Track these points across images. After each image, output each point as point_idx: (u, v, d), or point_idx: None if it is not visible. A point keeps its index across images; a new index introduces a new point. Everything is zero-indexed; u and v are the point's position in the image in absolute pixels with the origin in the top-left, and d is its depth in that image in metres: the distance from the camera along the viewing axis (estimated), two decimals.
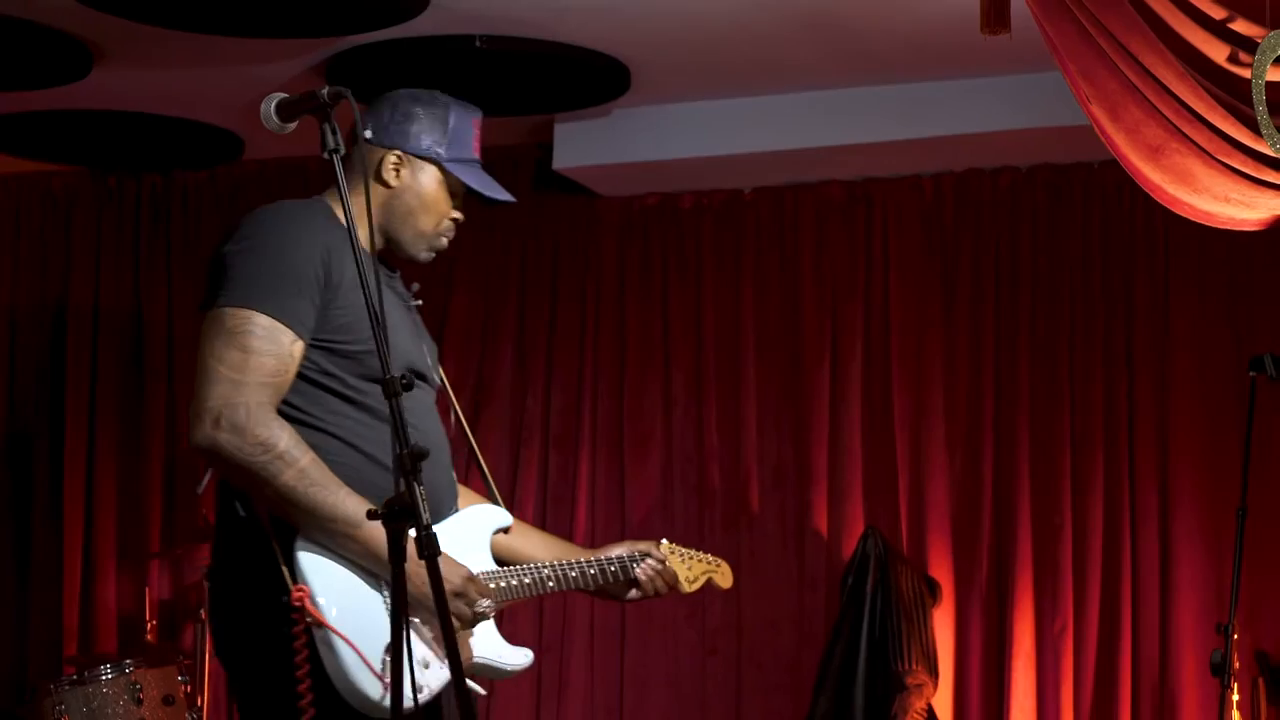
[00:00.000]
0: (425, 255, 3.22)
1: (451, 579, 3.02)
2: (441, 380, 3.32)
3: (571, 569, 3.31)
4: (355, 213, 2.98)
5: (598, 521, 5.96)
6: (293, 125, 2.88)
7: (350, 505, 2.96)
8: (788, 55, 5.07)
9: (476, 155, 3.24)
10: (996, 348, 5.68)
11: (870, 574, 5.39)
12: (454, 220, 3.23)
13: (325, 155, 2.84)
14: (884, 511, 5.68)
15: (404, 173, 3.15)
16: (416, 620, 3.05)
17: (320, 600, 2.96)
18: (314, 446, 2.99)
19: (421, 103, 3.18)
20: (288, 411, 3.02)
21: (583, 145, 5.64)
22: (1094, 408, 5.54)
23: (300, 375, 3.02)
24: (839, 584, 5.52)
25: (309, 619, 2.93)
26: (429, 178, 3.16)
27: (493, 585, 3.16)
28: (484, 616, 3.12)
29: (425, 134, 3.15)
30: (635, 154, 5.62)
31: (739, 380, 5.89)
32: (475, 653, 3.17)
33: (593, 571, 3.32)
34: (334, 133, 2.88)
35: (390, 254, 3.22)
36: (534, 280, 6.10)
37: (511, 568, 3.23)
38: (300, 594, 2.94)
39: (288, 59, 4.88)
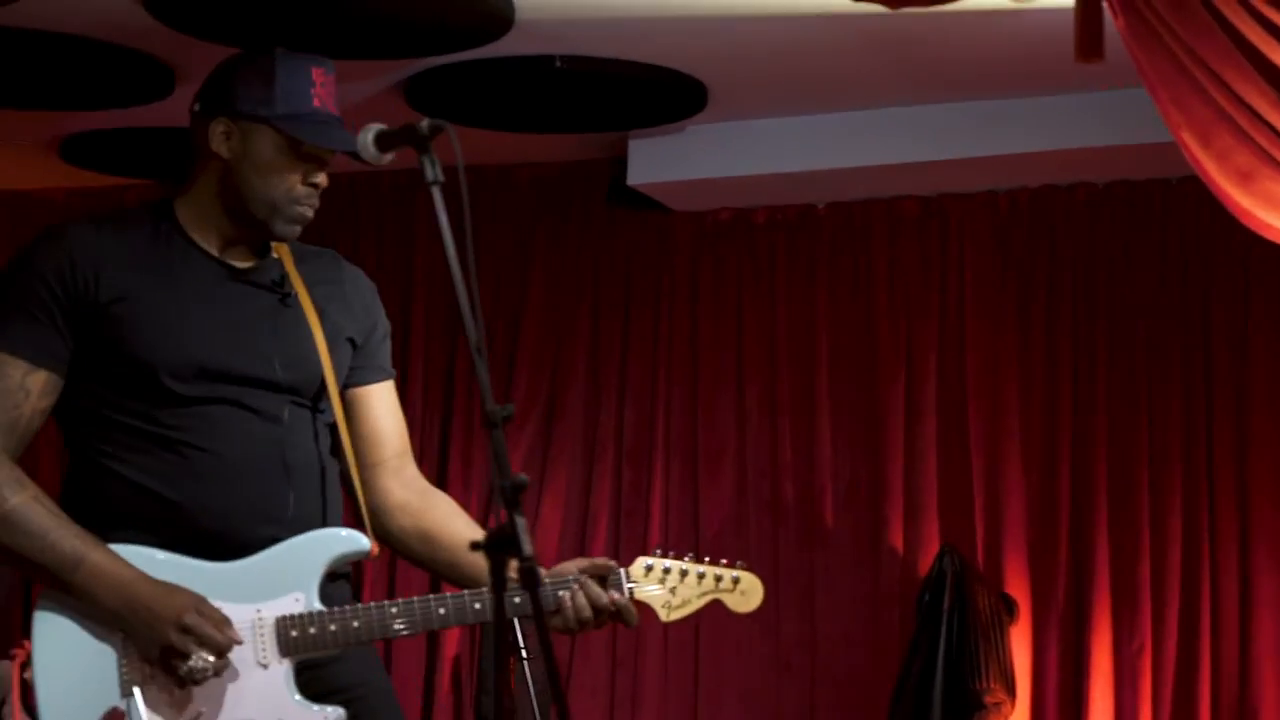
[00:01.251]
0: (284, 228, 2.87)
1: (156, 625, 2.68)
2: (324, 385, 2.94)
3: (437, 605, 2.81)
4: (450, 237, 2.90)
5: (671, 536, 5.95)
6: (389, 156, 2.82)
7: (62, 550, 2.68)
8: (864, 72, 5.06)
9: (319, 107, 2.88)
10: (1073, 363, 5.64)
11: (947, 592, 5.37)
12: (312, 185, 2.88)
13: (427, 186, 2.85)
14: (960, 529, 5.66)
15: (234, 139, 2.84)
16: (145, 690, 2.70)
17: (36, 661, 2.71)
18: (88, 483, 2.80)
19: (243, 62, 2.92)
20: (73, 446, 2.83)
21: (657, 161, 5.64)
22: (1172, 424, 5.51)
23: (78, 406, 2.81)
24: (914, 601, 5.51)
25: (24, 677, 2.72)
26: (263, 141, 2.84)
27: (294, 633, 2.77)
28: (198, 676, 2.68)
29: (248, 93, 2.85)
30: (710, 170, 5.61)
31: (813, 395, 5.87)
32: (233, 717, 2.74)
33: (477, 605, 2.81)
34: (433, 165, 2.84)
35: (250, 237, 2.89)
36: (607, 295, 6.11)
37: (340, 609, 2.81)
38: (17, 653, 2.75)
39: (366, 79, 4.90)
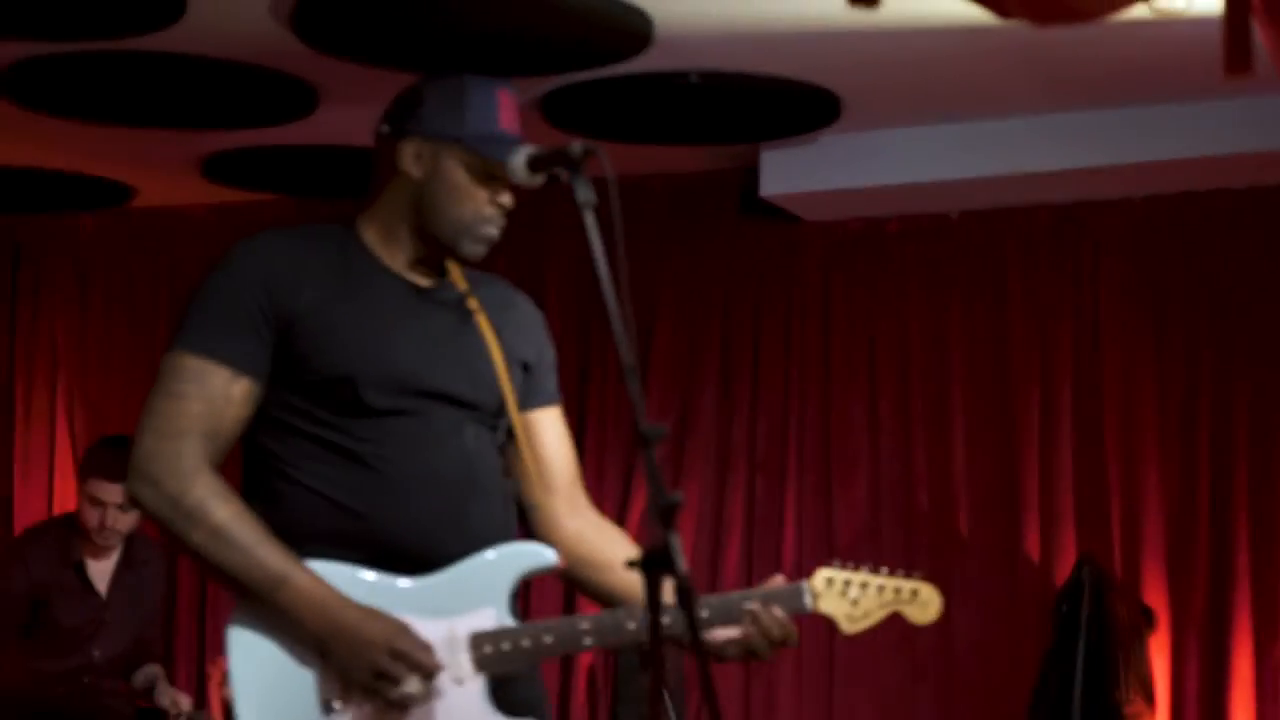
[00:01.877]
0: (472, 249, 2.87)
1: (365, 651, 2.67)
2: (503, 401, 2.92)
3: (626, 618, 2.77)
4: (602, 258, 2.92)
5: (805, 547, 5.97)
6: (541, 178, 2.84)
7: (267, 567, 2.67)
8: (999, 81, 5.05)
9: (506, 128, 2.87)
10: (1212, 371, 5.59)
11: (1085, 601, 5.34)
12: (500, 206, 2.88)
13: (578, 209, 2.88)
14: (1097, 537, 5.62)
15: (424, 160, 2.84)
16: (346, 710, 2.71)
17: (234, 678, 2.70)
18: (279, 496, 2.79)
19: (432, 84, 2.91)
20: (259, 456, 2.82)
21: (790, 172, 5.66)
22: None
23: (269, 416, 2.80)
24: (1051, 611, 5.48)
25: (222, 693, 2.76)
26: (454, 161, 2.84)
27: (487, 649, 2.76)
28: (410, 701, 2.68)
29: (439, 115, 2.85)
30: (843, 180, 5.62)
31: (946, 404, 5.86)
32: None
33: (665, 619, 2.62)
34: (585, 187, 2.86)
35: (434, 257, 2.89)
36: (738, 305, 6.13)
37: (533, 624, 2.81)
38: (213, 669, 2.74)
39: None
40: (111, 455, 5.30)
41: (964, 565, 5.79)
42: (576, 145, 2.83)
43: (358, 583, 2.72)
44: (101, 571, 5.43)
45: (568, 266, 5.98)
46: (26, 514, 6.61)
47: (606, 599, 2.98)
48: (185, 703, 5.34)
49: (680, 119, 5.16)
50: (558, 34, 4.25)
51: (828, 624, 2.90)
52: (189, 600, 6.55)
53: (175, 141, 5.59)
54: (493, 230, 2.88)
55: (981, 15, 3.77)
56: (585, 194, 2.85)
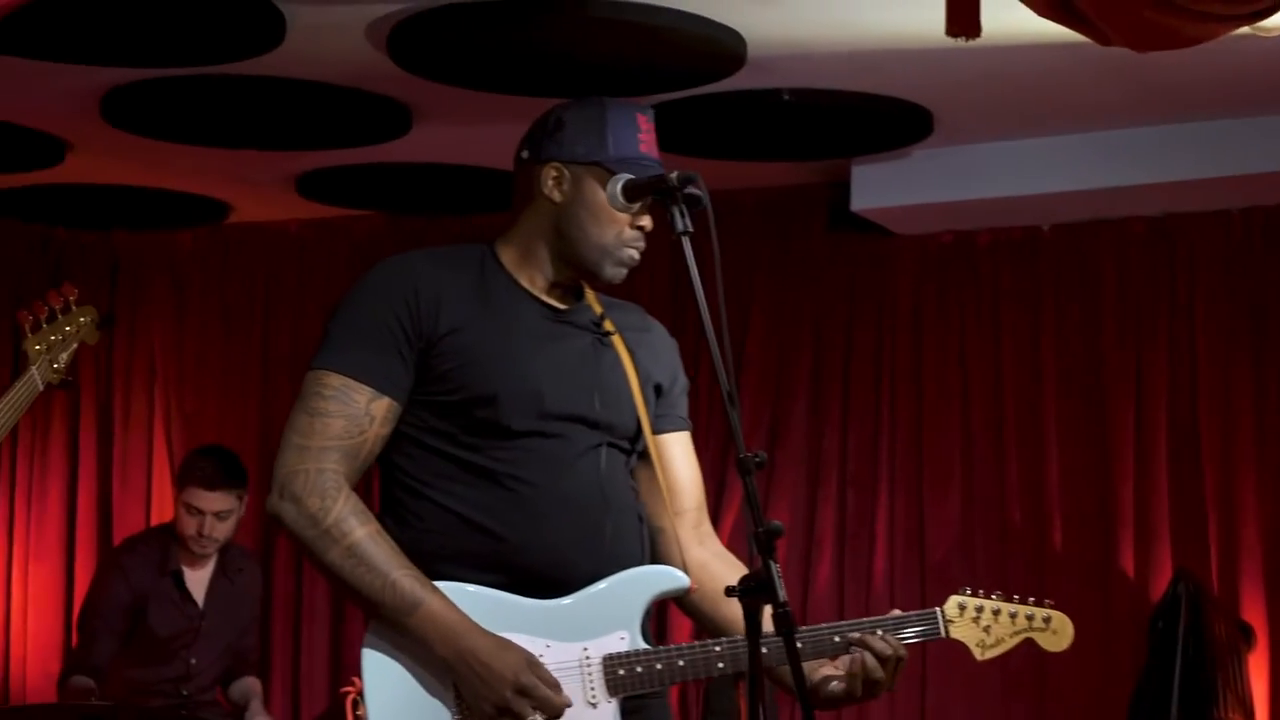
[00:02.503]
0: (613, 272, 2.88)
1: (493, 683, 2.67)
2: (639, 426, 2.93)
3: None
4: (701, 284, 2.92)
5: (896, 561, 5.96)
6: (637, 206, 2.87)
7: (400, 591, 2.67)
8: (1092, 95, 5.02)
9: (646, 152, 2.89)
10: None
11: (1182, 617, 5.29)
12: (639, 229, 2.88)
13: (674, 238, 2.90)
14: (1193, 553, 5.57)
15: (566, 185, 2.85)
16: None
17: (369, 702, 2.69)
18: (414, 516, 2.80)
19: (572, 109, 2.91)
20: (396, 475, 2.83)
21: (881, 186, 5.64)
22: None
23: (406, 435, 2.81)
24: (1147, 628, 5.44)
25: (357, 715, 2.72)
26: (595, 185, 2.84)
27: (621, 672, 2.76)
28: None
29: (580, 139, 2.86)
30: (934, 194, 5.61)
31: (1039, 419, 5.83)
32: None
33: (800, 645, 2.66)
34: (683, 215, 2.87)
35: (573, 280, 2.91)
36: (828, 319, 6.13)
37: (666, 648, 2.82)
38: (348, 691, 2.78)
39: None
40: (208, 464, 5.38)
41: (1058, 581, 5.74)
42: (674, 174, 2.85)
43: (492, 605, 2.73)
44: (198, 580, 5.51)
45: (659, 287, 5.98)
46: (124, 523, 6.70)
47: (723, 631, 2.96)
48: None
49: (773, 136, 5.17)
50: (652, 55, 4.26)
51: (1005, 655, 2.95)
52: (284, 611, 6.62)
53: (271, 161, 5.66)
54: (634, 253, 2.89)
55: (1070, 30, 3.78)
56: (682, 223, 2.87)
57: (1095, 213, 5.75)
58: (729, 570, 2.97)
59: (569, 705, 2.71)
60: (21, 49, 4.22)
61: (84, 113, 5.00)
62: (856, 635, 2.86)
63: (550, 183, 2.86)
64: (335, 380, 2.75)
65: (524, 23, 4.05)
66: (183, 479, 5.44)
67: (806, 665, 2.81)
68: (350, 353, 2.76)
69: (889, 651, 2.85)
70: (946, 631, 2.92)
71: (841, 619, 5.74)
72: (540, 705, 2.67)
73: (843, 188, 5.80)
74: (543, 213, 2.88)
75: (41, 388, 3.14)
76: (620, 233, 2.86)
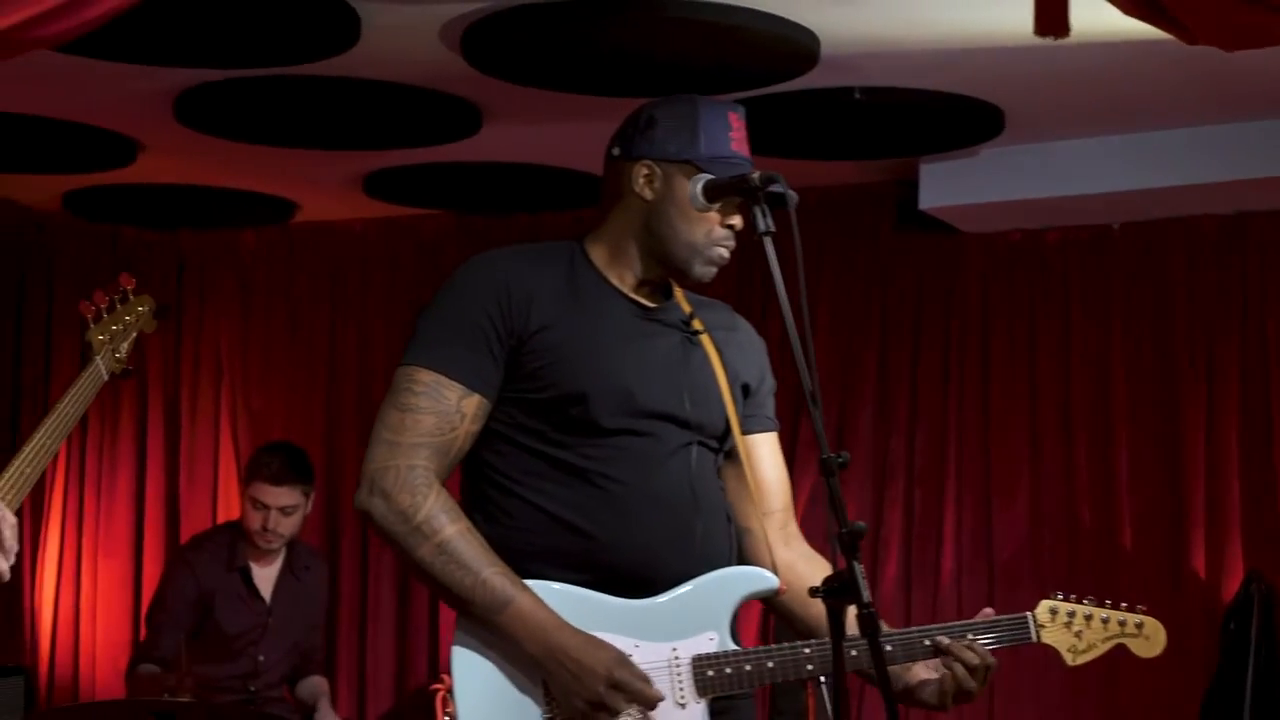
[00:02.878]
0: (702, 271, 2.88)
1: (585, 679, 2.67)
2: (728, 426, 2.92)
3: (849, 647, 2.70)
4: (785, 288, 2.93)
5: (964, 562, 5.94)
6: (716, 205, 2.87)
7: (491, 588, 2.68)
8: (1162, 93, 4.99)
9: (737, 150, 2.89)
10: None
11: (1254, 619, 5.26)
12: (729, 227, 2.88)
13: (756, 238, 2.90)
14: (1266, 553, 5.53)
15: (658, 183, 2.85)
16: None
17: (458, 699, 2.69)
18: (502, 513, 2.80)
19: (664, 106, 2.91)
20: (484, 472, 2.83)
21: (950, 185, 5.62)
22: None
23: (495, 432, 2.81)
24: (1218, 629, 5.40)
25: (446, 712, 2.76)
26: (686, 183, 2.85)
27: (710, 673, 2.76)
28: None
29: (672, 137, 2.86)
30: (1003, 193, 5.58)
31: (1109, 418, 5.80)
32: None
33: (889, 648, 2.76)
34: (765, 216, 2.88)
35: (662, 278, 2.91)
36: (895, 318, 6.11)
37: (755, 649, 2.81)
38: (438, 688, 2.79)
39: None
40: (275, 459, 5.42)
41: (1127, 582, 5.70)
42: (756, 174, 2.85)
43: (582, 604, 2.74)
44: (266, 577, 5.54)
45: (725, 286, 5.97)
46: (191, 520, 6.74)
47: (811, 632, 2.96)
48: None
49: (842, 134, 5.16)
50: (726, 54, 4.26)
51: (1096, 661, 2.94)
52: (349, 610, 6.64)
53: (339, 160, 5.68)
54: (724, 252, 2.88)
55: (1146, 27, 3.76)
56: (764, 223, 2.87)
57: (1165, 211, 5.71)
58: (816, 571, 2.96)
59: (662, 698, 2.70)
60: (97, 51, 4.25)
61: (157, 113, 5.04)
62: (946, 641, 2.84)
63: (641, 180, 2.86)
64: (427, 376, 2.76)
65: (598, 22, 4.05)
66: (250, 474, 5.47)
67: (899, 666, 2.84)
68: (442, 349, 2.77)
69: (978, 661, 2.83)
70: (1038, 636, 2.90)
71: (908, 620, 5.78)
72: (635, 698, 2.67)
73: (909, 186, 5.78)
74: (633, 210, 2.88)
75: (106, 377, 3.18)
76: (710, 231, 2.86)
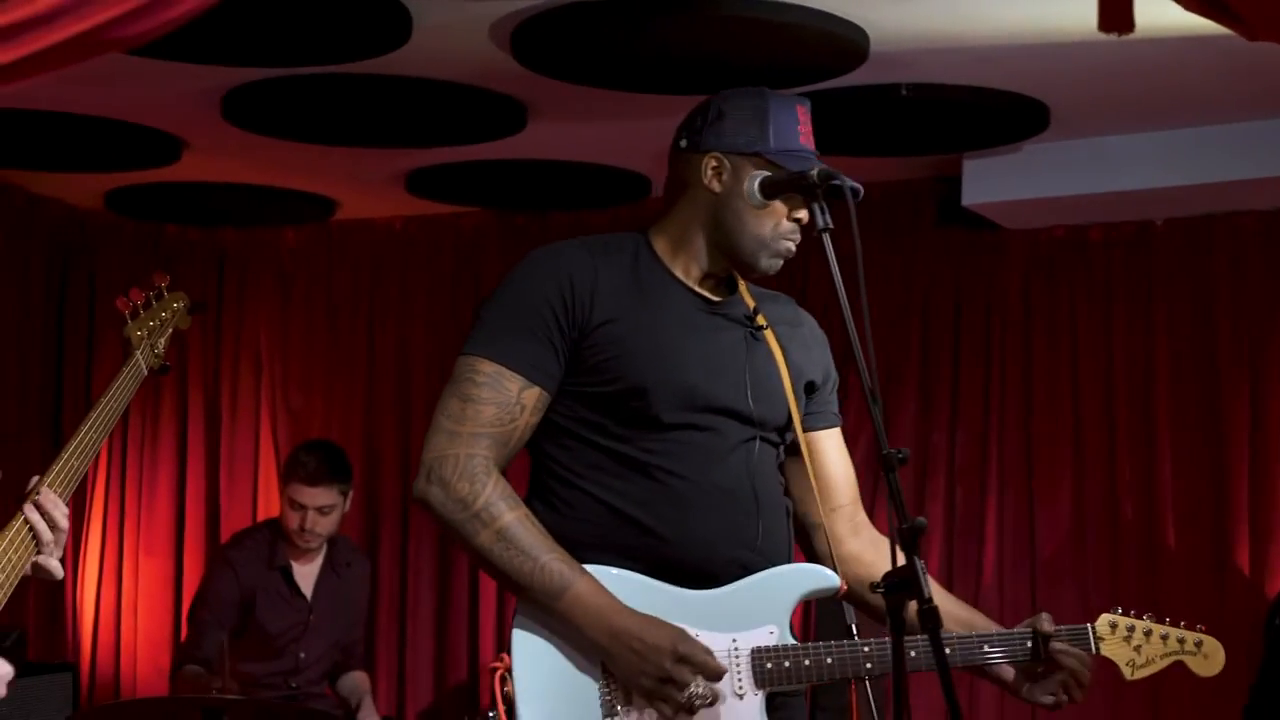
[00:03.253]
0: (769, 263, 2.88)
1: (651, 656, 2.68)
2: (788, 420, 2.93)
3: (908, 647, 2.71)
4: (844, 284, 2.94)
5: (1005, 558, 5.93)
6: (774, 202, 2.87)
7: (551, 573, 2.70)
8: (1208, 89, 4.97)
9: (804, 144, 2.89)
10: None
11: None
12: (796, 220, 2.88)
13: (815, 234, 2.91)
14: None
15: (726, 175, 2.85)
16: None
17: (517, 680, 2.72)
18: (562, 503, 2.82)
19: (733, 99, 2.90)
20: (545, 463, 2.85)
21: (993, 181, 5.61)
22: None
23: (557, 424, 2.83)
24: (1263, 625, 5.38)
25: (504, 691, 2.72)
26: (754, 176, 2.84)
27: (769, 665, 2.76)
28: (699, 703, 2.69)
29: (741, 130, 2.85)
30: (1047, 189, 5.57)
31: (1152, 413, 5.79)
32: None
33: (948, 650, 2.74)
34: (823, 212, 2.90)
35: (727, 271, 2.91)
36: (937, 313, 6.10)
37: (815, 645, 2.81)
38: (496, 666, 2.74)
39: None
40: (312, 459, 5.43)
41: (1171, 578, 5.70)
42: (814, 171, 2.86)
43: (641, 590, 2.75)
44: (307, 575, 5.56)
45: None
46: (232, 519, 6.77)
47: (883, 619, 2.93)
48: None
49: (888, 130, 5.15)
50: (776, 51, 4.26)
51: (1155, 677, 2.95)
52: (389, 606, 6.66)
53: (383, 158, 5.70)
54: (790, 245, 2.89)
55: (1192, 24, 3.75)
56: (823, 220, 2.89)
57: (1209, 206, 5.69)
58: (884, 560, 2.93)
59: (725, 670, 2.71)
60: (145, 49, 4.25)
61: (204, 112, 5.05)
62: (1060, 646, 2.87)
63: (710, 173, 2.86)
64: (488, 367, 2.78)
65: (650, 20, 4.05)
66: (287, 474, 5.49)
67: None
68: (504, 340, 2.78)
69: (1080, 668, 2.88)
70: (1097, 648, 2.92)
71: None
72: (700, 669, 2.67)
73: (950, 182, 5.77)
74: (700, 203, 2.88)
75: (146, 372, 3.22)
76: (778, 225, 2.86)
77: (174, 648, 6.70)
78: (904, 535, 2.72)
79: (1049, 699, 2.93)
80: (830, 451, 3.04)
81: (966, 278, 6.08)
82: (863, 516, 3.07)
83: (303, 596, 5.53)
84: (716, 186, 2.87)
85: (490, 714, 5.22)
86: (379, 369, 6.83)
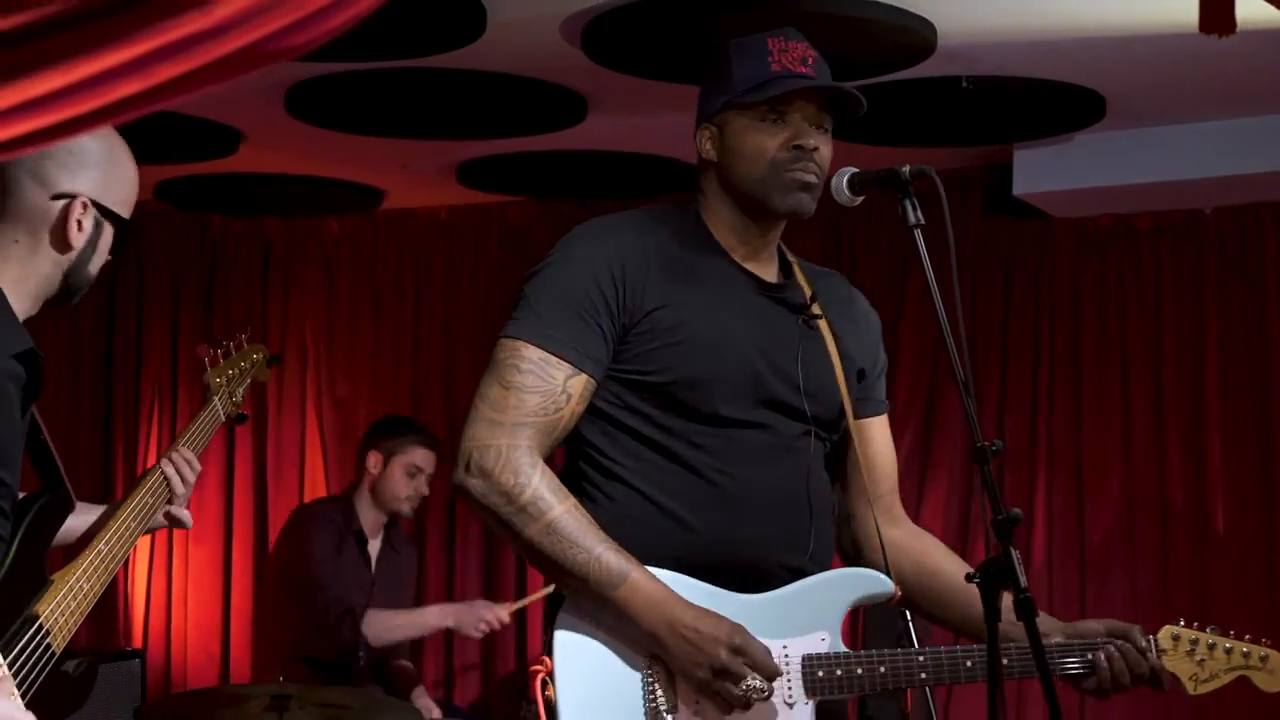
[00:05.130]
0: (782, 200, 2.74)
1: (707, 647, 2.58)
2: (840, 414, 2.85)
3: (964, 656, 2.68)
4: (938, 281, 2.98)
5: (1054, 544, 5.96)
6: (861, 199, 2.85)
7: (606, 564, 2.59)
8: (1264, 79, 4.99)
9: (781, 70, 2.74)
10: None
11: None
12: (795, 148, 2.73)
13: (909, 230, 2.94)
14: None
15: (715, 139, 2.78)
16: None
17: (559, 683, 2.63)
18: (604, 496, 2.70)
19: (704, 71, 2.84)
20: (586, 451, 2.73)
21: (1044, 170, 5.63)
22: None
23: (600, 411, 2.71)
24: None
25: (545, 694, 2.63)
26: (734, 126, 2.76)
27: (820, 674, 2.67)
28: (755, 697, 2.60)
29: (714, 92, 2.78)
30: (1098, 178, 5.59)
31: (1201, 400, 5.82)
32: None
33: (1005, 661, 2.65)
34: (915, 209, 2.93)
35: (763, 231, 2.82)
36: (985, 302, 6.13)
37: (868, 653, 2.70)
38: (537, 670, 2.65)
39: None
40: (420, 427, 5.67)
41: (1220, 566, 5.73)
42: (906, 168, 2.88)
43: (690, 592, 2.66)
44: (372, 548, 5.63)
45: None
46: (280, 507, 6.78)
47: (928, 606, 2.94)
48: (436, 714, 5.49)
49: (945, 122, 5.18)
50: (845, 45, 4.25)
51: (1219, 691, 2.90)
52: (436, 594, 6.67)
53: (436, 149, 5.73)
54: (800, 175, 2.74)
55: (1257, 16, 3.77)
56: (914, 216, 2.92)
57: (1259, 195, 5.72)
58: (926, 547, 2.96)
59: (781, 673, 2.63)
60: None
61: (265, 105, 5.08)
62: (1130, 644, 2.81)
63: (707, 145, 2.80)
64: (533, 353, 2.65)
65: (722, 15, 4.06)
66: (402, 441, 5.58)
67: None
68: (549, 324, 2.65)
69: (1143, 669, 2.82)
70: (1160, 662, 2.84)
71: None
72: (755, 665, 2.59)
73: (998, 171, 5.80)
74: (711, 178, 2.82)
75: (224, 419, 3.29)
76: (774, 157, 2.74)
77: (223, 635, 6.76)
78: (999, 526, 2.72)
79: (1091, 683, 2.83)
80: (876, 439, 2.97)
81: (1015, 266, 6.10)
82: (899, 507, 3.01)
83: (369, 569, 5.59)
84: (713, 155, 2.80)
85: (525, 703, 5.25)
86: (424, 358, 6.87)
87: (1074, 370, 6.00)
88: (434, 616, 5.56)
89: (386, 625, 5.41)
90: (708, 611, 2.62)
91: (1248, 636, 2.91)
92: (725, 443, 2.72)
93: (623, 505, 2.70)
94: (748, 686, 2.58)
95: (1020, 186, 5.70)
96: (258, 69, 1.82)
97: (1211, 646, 2.85)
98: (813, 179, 2.77)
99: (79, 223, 2.60)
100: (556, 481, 2.65)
